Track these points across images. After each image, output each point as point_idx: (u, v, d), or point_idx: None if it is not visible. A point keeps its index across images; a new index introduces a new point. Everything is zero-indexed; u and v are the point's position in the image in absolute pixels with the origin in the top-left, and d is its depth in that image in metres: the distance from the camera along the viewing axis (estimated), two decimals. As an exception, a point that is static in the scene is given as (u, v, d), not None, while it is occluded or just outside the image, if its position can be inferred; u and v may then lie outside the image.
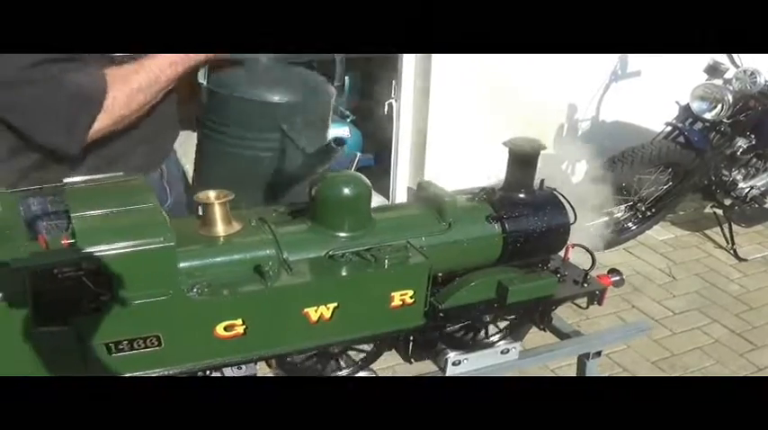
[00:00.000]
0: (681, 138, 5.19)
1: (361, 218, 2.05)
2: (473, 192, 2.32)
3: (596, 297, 2.41)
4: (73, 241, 1.71)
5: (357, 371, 2.12)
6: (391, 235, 2.05)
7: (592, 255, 2.48)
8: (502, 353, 2.31)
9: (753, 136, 5.30)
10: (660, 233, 5.66)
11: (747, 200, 5.52)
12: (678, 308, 4.65)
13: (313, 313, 1.88)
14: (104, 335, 1.67)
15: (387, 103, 5.47)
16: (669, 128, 5.32)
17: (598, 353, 2.57)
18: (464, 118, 5.42)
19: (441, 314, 2.11)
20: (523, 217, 2.27)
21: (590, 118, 6.26)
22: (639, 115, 6.00)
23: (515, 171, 2.36)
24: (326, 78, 2.43)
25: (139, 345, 1.71)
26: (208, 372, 1.89)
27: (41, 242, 1.81)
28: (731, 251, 5.46)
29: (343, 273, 1.89)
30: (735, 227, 5.55)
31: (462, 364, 2.25)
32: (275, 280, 1.81)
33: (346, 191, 1.99)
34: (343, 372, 2.11)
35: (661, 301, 4.68)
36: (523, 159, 2.35)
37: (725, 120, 5.18)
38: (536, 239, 2.30)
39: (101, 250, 1.59)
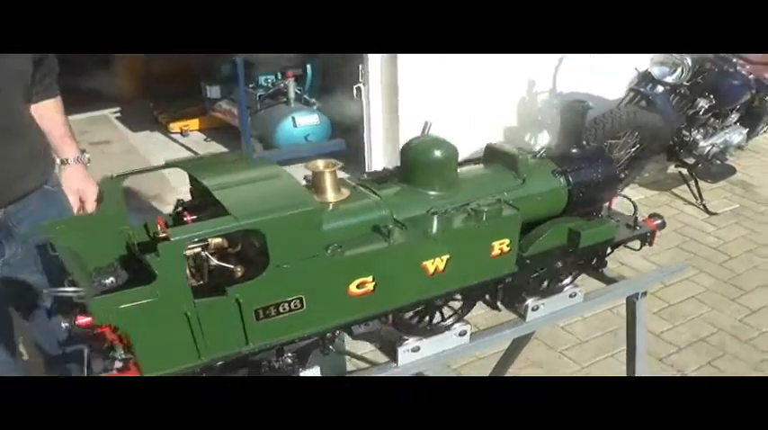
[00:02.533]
0: (643, 103, 5.58)
1: (451, 177, 2.28)
2: (533, 151, 2.58)
3: (648, 238, 2.72)
4: (196, 217, 1.90)
5: (458, 321, 2.32)
6: (477, 191, 2.28)
7: (634, 203, 2.80)
8: (570, 296, 2.56)
9: (712, 96, 5.74)
10: (631, 195, 6.01)
11: (709, 157, 5.98)
12: (663, 262, 5.03)
13: (430, 265, 2.10)
14: (258, 300, 1.82)
15: (355, 87, 5.63)
16: (632, 93, 5.69)
17: (644, 293, 2.86)
18: (435, 97, 5.65)
19: (527, 260, 2.35)
20: (582, 170, 2.54)
21: (548, 90, 6.58)
22: (593, 86, 6.36)
23: (568, 129, 2.66)
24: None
25: (284, 309, 1.87)
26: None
27: (160, 223, 1.97)
28: (701, 206, 5.90)
29: (455, 226, 2.11)
30: (701, 183, 5.98)
31: (540, 309, 2.49)
32: (396, 237, 2.01)
33: (438, 153, 2.23)
34: (449, 322, 2.30)
35: (647, 257, 5.03)
36: (575, 118, 2.64)
37: (685, 83, 5.62)
38: (594, 190, 2.59)
39: (257, 217, 1.75)
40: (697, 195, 5.96)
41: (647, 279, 2.89)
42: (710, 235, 5.45)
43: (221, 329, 1.81)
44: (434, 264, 2.10)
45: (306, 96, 6.05)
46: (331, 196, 2.09)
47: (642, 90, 5.62)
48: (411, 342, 2.23)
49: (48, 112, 2.71)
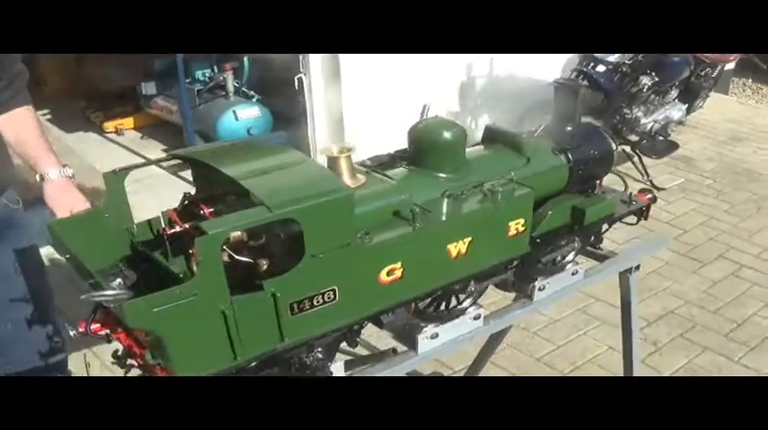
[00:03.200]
0: (586, 82, 5.69)
1: (460, 159, 2.26)
2: (530, 130, 2.60)
3: (643, 213, 2.78)
4: (209, 210, 1.84)
5: (473, 303, 2.31)
6: (486, 172, 2.27)
7: (624, 179, 2.86)
8: (572, 274, 2.58)
9: (653, 73, 5.88)
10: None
11: (652, 134, 6.14)
12: (622, 238, 5.11)
13: (453, 249, 2.08)
14: (293, 293, 1.76)
15: (296, 77, 5.56)
16: (575, 73, 5.79)
17: (637, 267, 2.92)
18: (379, 84, 5.63)
19: (537, 240, 2.36)
20: (580, 147, 2.57)
21: (485, 74, 6.64)
22: (532, 67, 6.44)
23: (562, 107, 2.69)
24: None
25: (318, 302, 1.81)
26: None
27: (172, 215, 1.89)
28: (648, 183, 6.04)
29: (474, 207, 2.09)
30: (645, 160, 6.14)
31: (546, 289, 2.50)
32: (421, 221, 1.98)
33: (447, 135, 2.21)
34: (466, 304, 2.28)
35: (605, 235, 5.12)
36: (568, 96, 2.69)
37: (626, 62, 5.75)
38: (592, 166, 2.62)
39: (292, 206, 1.69)
40: (643, 172, 6.10)
41: (638, 252, 2.94)
42: (662, 210, 5.59)
43: (257, 326, 1.74)
44: (457, 248, 2.08)
45: (244, 89, 5.94)
46: (348, 182, 2.04)
47: (585, 70, 5.72)
48: (429, 329, 2.20)
49: (18, 123, 2.49)
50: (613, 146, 2.73)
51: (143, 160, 2.02)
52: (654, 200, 2.87)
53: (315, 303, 1.81)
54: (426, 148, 2.22)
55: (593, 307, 4.41)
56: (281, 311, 1.75)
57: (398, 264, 1.95)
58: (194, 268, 1.86)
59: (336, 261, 1.80)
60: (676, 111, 6.37)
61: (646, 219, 2.84)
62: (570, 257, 2.64)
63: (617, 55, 5.64)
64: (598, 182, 2.81)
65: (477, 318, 2.30)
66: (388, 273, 1.94)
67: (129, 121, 6.41)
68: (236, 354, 1.73)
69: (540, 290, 2.49)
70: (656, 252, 4.47)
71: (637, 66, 5.80)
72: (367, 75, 5.59)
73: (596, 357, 3.95)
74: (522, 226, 2.23)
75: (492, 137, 2.50)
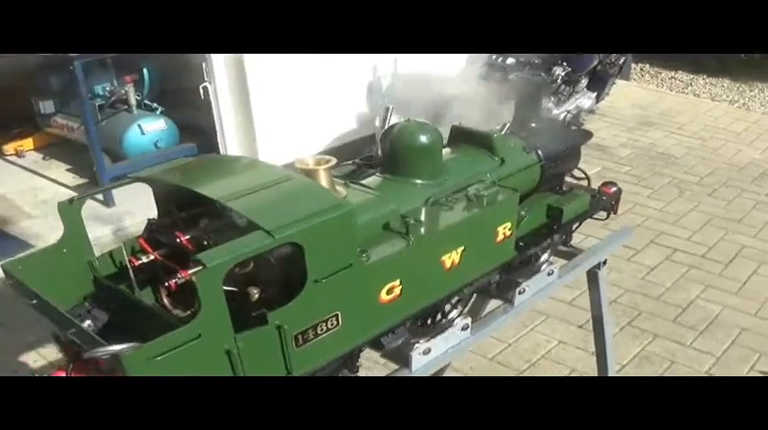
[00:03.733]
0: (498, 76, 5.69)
1: (438, 163, 2.16)
2: (494, 130, 2.52)
3: (612, 206, 2.75)
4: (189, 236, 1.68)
5: (460, 314, 2.22)
6: (464, 176, 2.18)
7: (587, 174, 2.82)
8: (548, 274, 2.51)
9: (565, 64, 5.95)
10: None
11: (565, 124, 6.20)
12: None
13: (448, 260, 1.98)
14: (298, 323, 1.63)
15: (201, 87, 5.37)
16: (486, 67, 5.79)
17: (604, 262, 2.89)
18: (287, 89, 5.49)
19: (520, 243, 2.29)
20: (549, 143, 2.52)
21: (389, 73, 6.59)
22: (436, 63, 6.42)
23: (525, 104, 2.64)
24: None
25: (322, 330, 1.69)
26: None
27: (143, 245, 1.74)
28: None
29: (464, 215, 2.00)
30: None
31: (526, 292, 2.43)
32: (414, 234, 1.86)
33: (424, 139, 2.10)
34: (453, 315, 2.19)
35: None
36: (531, 91, 2.64)
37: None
38: (561, 162, 2.58)
39: (293, 229, 1.55)
40: (561, 163, 6.16)
41: (607, 247, 2.90)
42: (586, 199, 5.64)
43: (262, 363, 1.61)
44: (451, 259, 1.99)
45: (147, 101, 5.69)
46: (330, 196, 1.91)
47: (496, 63, 5.72)
48: (421, 345, 2.09)
49: None
50: (581, 137, 2.70)
51: (50, 180, 1.88)
52: (619, 192, 2.84)
53: (318, 332, 1.69)
54: (403, 154, 2.11)
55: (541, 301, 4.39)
56: (287, 344, 1.61)
57: (397, 282, 1.85)
58: (165, 301, 1.73)
59: (339, 284, 1.68)
60: (586, 99, 6.46)
61: (615, 212, 2.81)
62: (545, 257, 2.59)
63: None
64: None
65: (465, 328, 2.20)
66: (389, 292, 1.84)
67: (28, 142, 6.05)
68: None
69: (519, 293, 2.42)
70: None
71: (548, 57, 5.85)
72: (275, 81, 5.44)
73: (549, 352, 3.91)
74: (509, 230, 2.15)
75: (460, 137, 2.42)
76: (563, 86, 6.22)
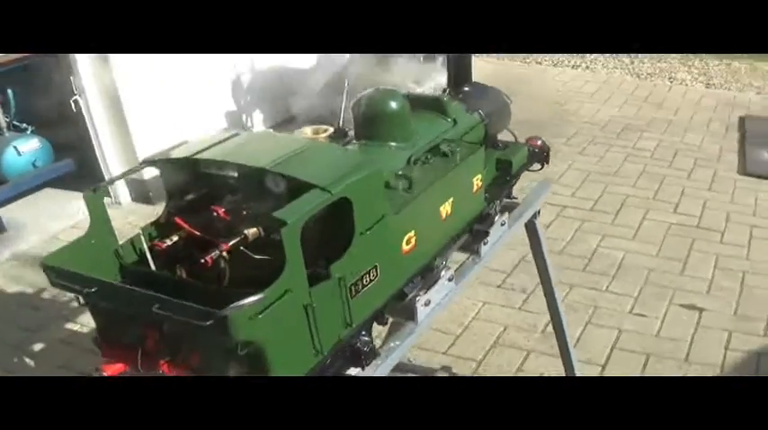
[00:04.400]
0: None
1: (409, 126, 2.31)
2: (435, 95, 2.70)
3: (545, 158, 2.97)
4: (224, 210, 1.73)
5: (445, 266, 2.34)
6: (431, 137, 2.34)
7: (513, 134, 3.02)
8: (501, 225, 2.68)
9: None
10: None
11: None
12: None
13: (443, 211, 2.13)
14: (351, 275, 1.72)
15: (71, 101, 5.24)
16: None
17: (539, 212, 3.10)
18: (158, 93, 5.46)
19: (486, 195, 2.47)
20: (484, 104, 2.72)
21: (249, 70, 6.65)
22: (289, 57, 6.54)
23: (457, 68, 2.84)
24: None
25: (367, 281, 1.79)
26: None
27: (181, 222, 1.76)
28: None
29: (449, 168, 2.15)
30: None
31: (488, 244, 2.59)
32: (414, 187, 1.99)
33: (395, 104, 2.24)
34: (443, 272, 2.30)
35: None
36: (459, 61, 2.84)
37: None
38: (497, 121, 2.78)
39: (343, 184, 1.65)
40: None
41: (539, 197, 3.09)
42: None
43: (329, 316, 1.70)
44: (445, 209, 2.13)
45: (15, 122, 5.47)
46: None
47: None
48: (422, 297, 2.20)
49: None
50: (507, 99, 2.91)
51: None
52: (546, 144, 3.06)
53: (365, 283, 1.79)
54: (377, 120, 2.23)
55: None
56: (346, 295, 1.70)
57: (413, 233, 1.96)
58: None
59: (376, 236, 1.79)
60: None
61: (547, 163, 3.03)
62: (498, 210, 2.75)
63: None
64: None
65: (450, 279, 2.33)
66: (407, 243, 1.95)
67: None
68: (319, 350, 1.67)
69: (484, 244, 2.57)
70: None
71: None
72: (145, 85, 5.39)
73: (478, 314, 4.09)
74: (480, 181, 2.33)
75: (413, 103, 2.56)
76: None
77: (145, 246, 1.82)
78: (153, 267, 1.84)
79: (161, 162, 1.85)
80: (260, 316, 1.44)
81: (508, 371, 3.61)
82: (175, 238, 1.79)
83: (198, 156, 1.78)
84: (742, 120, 6.76)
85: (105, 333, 1.73)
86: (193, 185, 1.87)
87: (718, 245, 4.70)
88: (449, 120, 2.49)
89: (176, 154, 1.84)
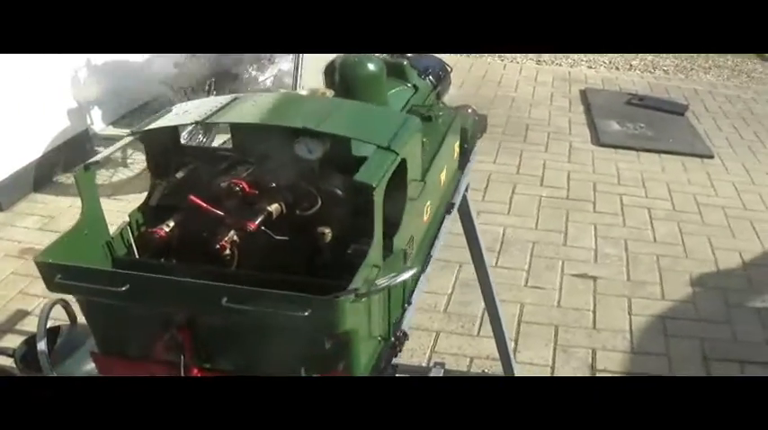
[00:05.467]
0: None
1: (385, 92, 2.19)
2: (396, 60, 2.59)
3: (485, 125, 2.94)
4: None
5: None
6: (403, 102, 2.26)
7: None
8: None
9: None
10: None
11: (266, 88, 6.31)
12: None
13: (442, 176, 2.02)
14: (405, 246, 1.59)
15: None
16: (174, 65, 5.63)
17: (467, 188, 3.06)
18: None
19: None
20: (430, 71, 2.64)
21: (85, 65, 6.22)
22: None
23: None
24: None
25: (408, 253, 1.66)
26: None
27: (195, 200, 1.55)
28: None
29: (441, 132, 2.07)
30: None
31: (451, 212, 2.53)
32: (427, 152, 1.89)
33: (373, 67, 2.10)
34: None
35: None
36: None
37: None
38: (442, 89, 2.72)
39: (398, 142, 1.50)
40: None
41: (469, 171, 3.06)
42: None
43: (395, 295, 1.55)
44: (443, 174, 2.05)
45: None
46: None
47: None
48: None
49: None
50: (448, 67, 2.84)
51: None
52: (475, 110, 3.02)
53: (408, 253, 1.65)
54: (355, 85, 2.10)
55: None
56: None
57: (429, 202, 1.86)
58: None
59: (416, 204, 1.66)
60: (285, 62, 6.61)
61: (485, 131, 2.98)
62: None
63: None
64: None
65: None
66: (426, 211, 1.84)
67: None
68: (383, 335, 1.51)
69: (448, 213, 2.52)
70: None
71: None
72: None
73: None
74: (458, 146, 2.26)
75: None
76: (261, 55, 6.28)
77: (131, 236, 1.58)
78: (134, 253, 1.60)
79: (154, 132, 1.61)
80: (362, 301, 1.28)
81: (422, 353, 3.54)
82: (171, 224, 1.57)
83: (221, 119, 1.57)
84: (583, 93, 7.06)
85: (108, 345, 1.48)
86: (181, 160, 1.66)
87: (592, 214, 4.85)
88: (409, 85, 2.41)
89: (167, 123, 1.61)
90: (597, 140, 5.97)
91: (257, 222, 1.48)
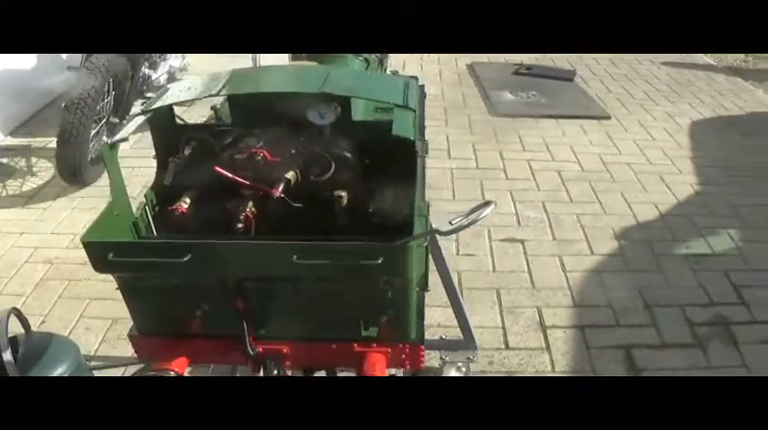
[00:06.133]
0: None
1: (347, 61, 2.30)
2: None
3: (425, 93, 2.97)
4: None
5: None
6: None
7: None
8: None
9: None
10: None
11: (161, 85, 6.12)
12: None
13: None
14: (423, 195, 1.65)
15: None
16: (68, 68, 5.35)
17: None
18: None
19: None
20: None
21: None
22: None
23: None
24: None
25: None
26: None
27: (221, 171, 1.51)
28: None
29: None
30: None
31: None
32: None
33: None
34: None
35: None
36: None
37: None
38: (386, 59, 2.81)
39: (411, 101, 1.55)
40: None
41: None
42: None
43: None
44: None
45: None
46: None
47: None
48: None
49: None
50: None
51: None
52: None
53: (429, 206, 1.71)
54: (325, 60, 2.28)
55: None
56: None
57: None
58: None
59: (422, 160, 1.73)
60: (175, 59, 6.45)
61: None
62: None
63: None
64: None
65: None
66: None
67: None
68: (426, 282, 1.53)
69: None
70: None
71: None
72: None
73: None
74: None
75: None
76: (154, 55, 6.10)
77: (148, 214, 1.54)
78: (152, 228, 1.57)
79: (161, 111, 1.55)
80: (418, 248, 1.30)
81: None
82: (188, 200, 1.54)
83: (239, 90, 1.54)
84: (470, 67, 7.16)
85: (153, 325, 1.41)
86: (185, 138, 1.62)
87: (506, 182, 4.91)
88: (361, 58, 2.51)
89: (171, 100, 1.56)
90: (494, 111, 6.06)
91: (280, 189, 1.49)
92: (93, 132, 4.55)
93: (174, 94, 1.55)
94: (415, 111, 1.49)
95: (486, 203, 1.38)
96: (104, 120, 4.78)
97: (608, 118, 5.96)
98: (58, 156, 4.39)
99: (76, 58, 4.75)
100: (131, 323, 1.46)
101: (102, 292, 3.44)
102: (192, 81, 1.62)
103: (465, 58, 7.44)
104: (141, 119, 1.58)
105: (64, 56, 5.76)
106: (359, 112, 1.61)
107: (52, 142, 4.66)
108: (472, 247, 4.11)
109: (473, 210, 1.39)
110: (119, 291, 1.39)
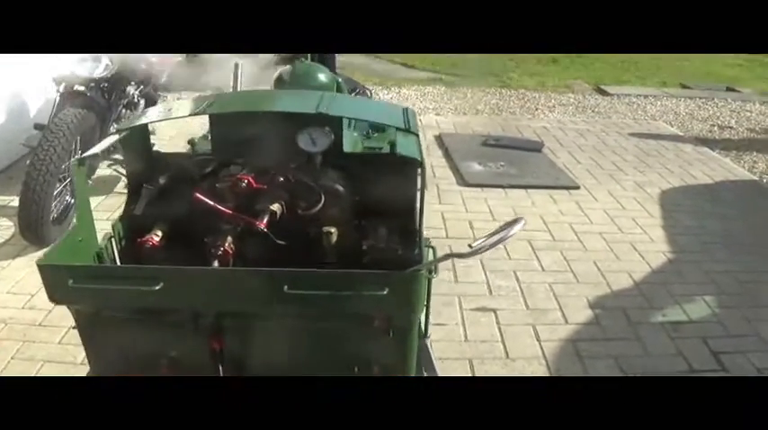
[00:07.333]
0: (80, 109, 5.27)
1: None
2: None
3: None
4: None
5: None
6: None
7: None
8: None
9: (133, 82, 5.81)
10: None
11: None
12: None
13: None
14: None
15: None
16: (62, 96, 5.34)
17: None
18: None
19: None
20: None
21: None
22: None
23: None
24: None
25: None
26: None
27: (201, 198, 1.46)
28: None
29: None
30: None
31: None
32: None
33: (323, 77, 2.22)
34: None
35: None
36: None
37: (106, 76, 5.51)
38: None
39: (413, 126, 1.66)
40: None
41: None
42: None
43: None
44: None
45: None
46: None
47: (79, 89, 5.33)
48: None
49: None
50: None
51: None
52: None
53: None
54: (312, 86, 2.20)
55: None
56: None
57: None
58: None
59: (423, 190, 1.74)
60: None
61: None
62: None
63: (99, 69, 5.35)
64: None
65: None
66: None
67: None
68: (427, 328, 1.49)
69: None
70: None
71: (119, 77, 5.63)
72: None
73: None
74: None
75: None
76: (141, 101, 6.08)
77: (114, 246, 1.46)
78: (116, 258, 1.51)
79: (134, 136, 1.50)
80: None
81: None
82: (160, 233, 1.47)
83: (246, 108, 1.50)
84: (438, 138, 7.22)
85: (109, 366, 1.34)
86: (159, 169, 1.57)
87: (476, 250, 4.90)
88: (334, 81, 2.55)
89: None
90: (463, 181, 6.07)
91: (265, 221, 1.43)
92: (56, 192, 4.52)
93: (152, 115, 1.51)
94: (417, 135, 1.46)
95: (516, 221, 1.32)
96: (69, 179, 4.75)
97: (577, 188, 6.00)
98: (20, 215, 4.37)
99: (44, 116, 4.75)
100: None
101: (57, 355, 3.39)
102: (175, 104, 1.59)
103: (433, 129, 7.50)
104: (115, 137, 1.52)
105: (31, 114, 5.76)
106: (348, 144, 1.56)
107: (15, 200, 4.61)
108: (444, 317, 4.06)
109: (501, 229, 1.33)
110: (76, 329, 1.30)
